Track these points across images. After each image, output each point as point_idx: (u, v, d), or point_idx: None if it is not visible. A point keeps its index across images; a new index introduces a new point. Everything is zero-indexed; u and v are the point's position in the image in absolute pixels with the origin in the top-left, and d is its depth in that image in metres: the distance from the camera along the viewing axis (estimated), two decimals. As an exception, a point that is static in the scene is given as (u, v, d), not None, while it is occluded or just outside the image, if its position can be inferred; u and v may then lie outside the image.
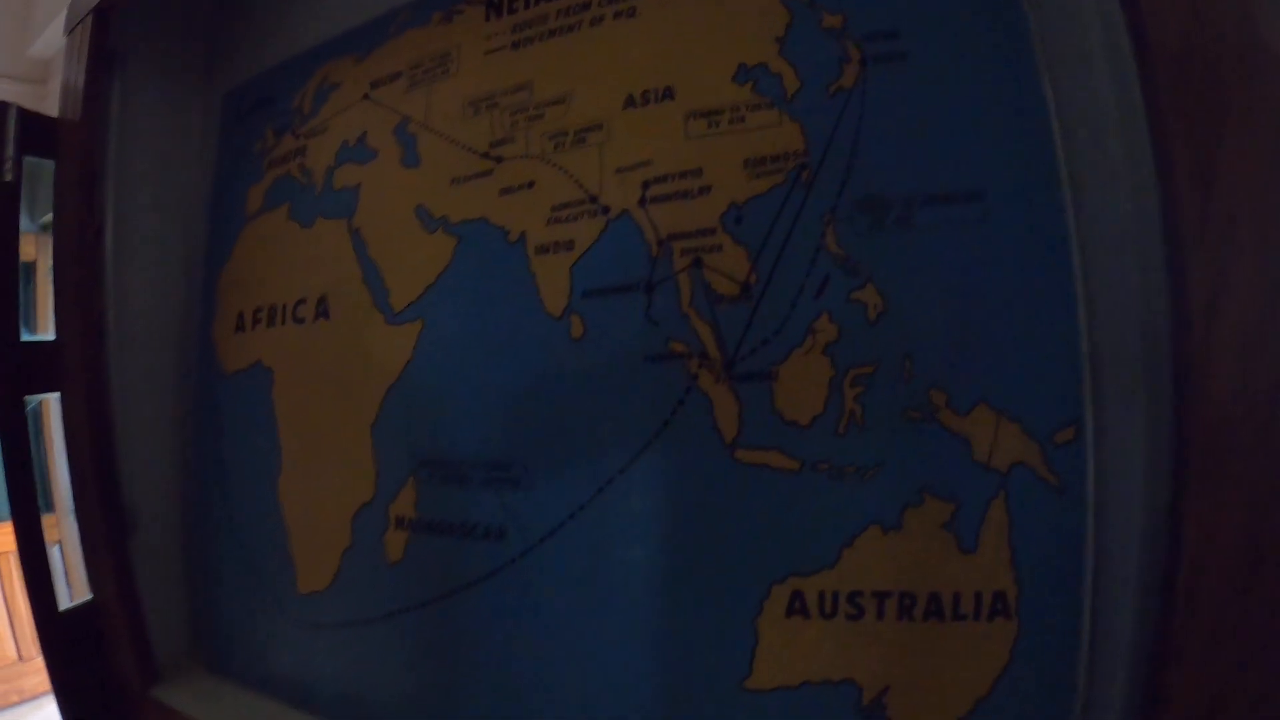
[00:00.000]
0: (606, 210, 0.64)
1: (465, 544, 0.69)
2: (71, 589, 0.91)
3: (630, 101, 0.65)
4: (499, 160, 0.71)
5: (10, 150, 0.81)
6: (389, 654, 0.74)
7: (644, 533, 0.61)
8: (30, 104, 0.86)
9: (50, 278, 1.01)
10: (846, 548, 0.55)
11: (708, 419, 0.59)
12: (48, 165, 0.89)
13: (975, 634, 0.52)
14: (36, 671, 2.39)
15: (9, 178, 0.81)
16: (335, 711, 0.78)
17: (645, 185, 0.63)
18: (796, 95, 0.59)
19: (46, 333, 0.89)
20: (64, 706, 0.83)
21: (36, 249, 2.16)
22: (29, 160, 0.84)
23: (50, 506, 1.29)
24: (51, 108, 0.89)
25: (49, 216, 0.98)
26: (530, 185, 0.68)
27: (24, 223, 0.89)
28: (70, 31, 0.85)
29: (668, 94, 0.64)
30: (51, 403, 0.98)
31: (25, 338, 0.84)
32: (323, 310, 0.81)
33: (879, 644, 0.54)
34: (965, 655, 0.53)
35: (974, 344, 0.53)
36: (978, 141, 0.55)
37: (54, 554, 0.89)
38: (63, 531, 1.21)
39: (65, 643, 0.84)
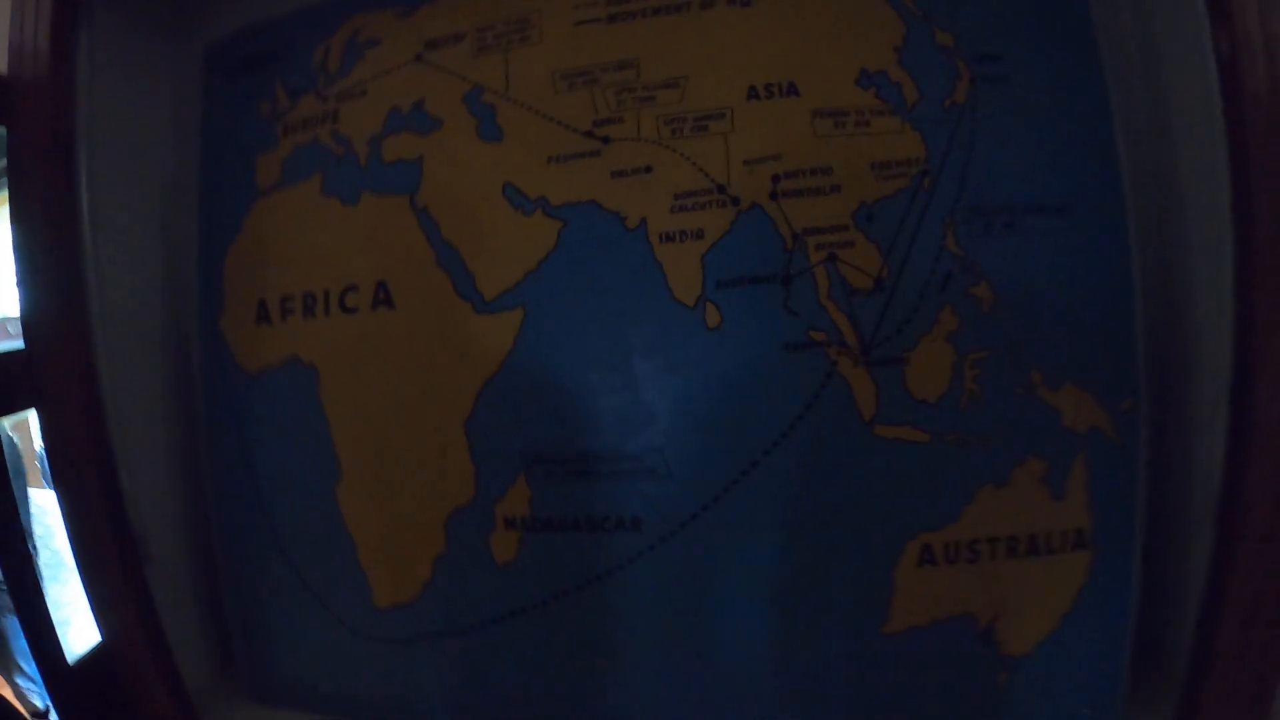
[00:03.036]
0: (736, 201, 0.66)
1: (593, 537, 0.69)
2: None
3: (753, 93, 0.66)
4: (605, 140, 0.68)
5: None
6: (504, 657, 0.72)
7: (789, 506, 0.66)
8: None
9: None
10: (967, 504, 0.65)
11: (848, 400, 0.65)
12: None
13: (1062, 564, 0.65)
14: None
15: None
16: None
17: (775, 179, 0.65)
18: (916, 106, 0.65)
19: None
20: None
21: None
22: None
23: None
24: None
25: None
26: (648, 170, 0.67)
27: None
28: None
29: (791, 90, 0.66)
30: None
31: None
32: (383, 298, 0.73)
33: (991, 580, 0.66)
34: (1055, 581, 0.66)
35: (1063, 333, 0.64)
36: (1065, 163, 0.65)
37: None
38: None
39: (82, 700, 0.70)
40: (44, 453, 0.71)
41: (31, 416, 0.70)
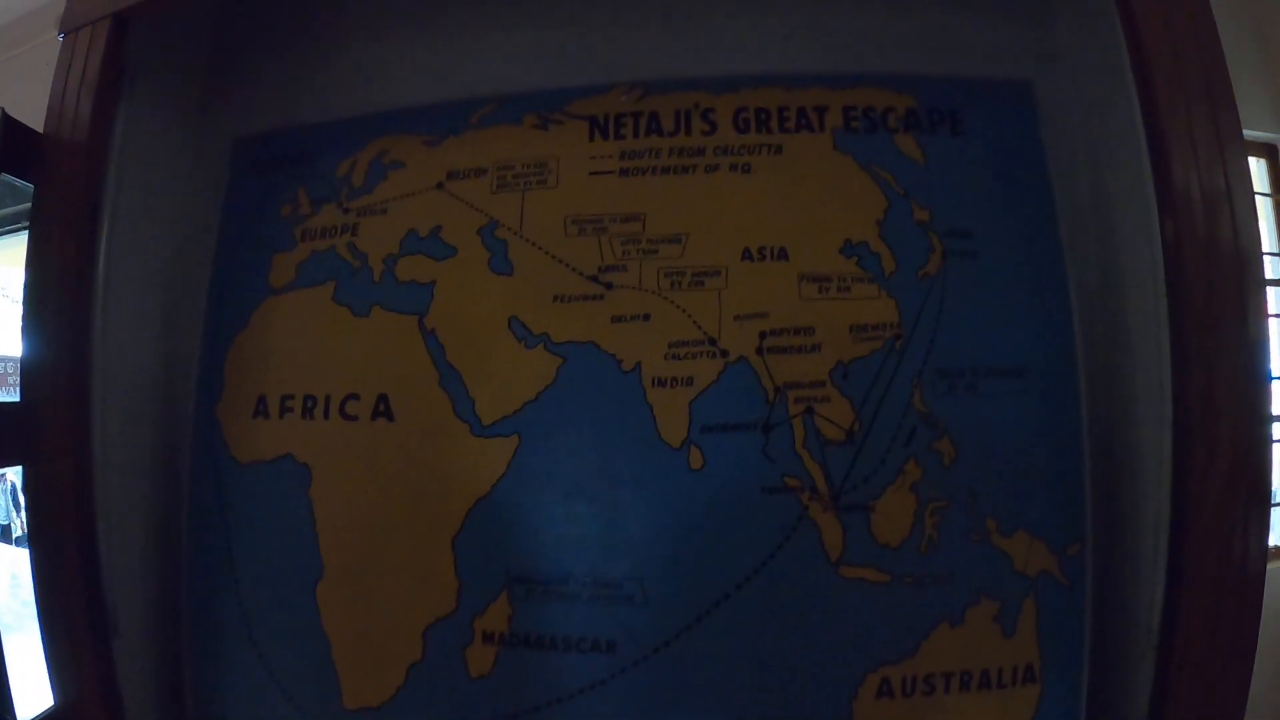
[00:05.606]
0: (725, 354, 0.71)
1: (568, 656, 0.72)
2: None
3: (747, 254, 0.73)
4: (609, 287, 0.74)
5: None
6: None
7: (757, 637, 0.70)
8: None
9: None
10: (924, 640, 0.70)
11: (816, 542, 0.70)
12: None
13: (1013, 697, 0.71)
14: None
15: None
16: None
17: (762, 335, 0.71)
18: (893, 275, 0.72)
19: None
20: None
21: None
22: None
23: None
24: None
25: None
26: (645, 318, 0.73)
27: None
28: (67, 33, 0.68)
29: (782, 254, 0.73)
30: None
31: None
32: (383, 410, 0.76)
33: (946, 713, 0.70)
34: (1006, 713, 0.71)
35: (1017, 484, 0.71)
36: (1023, 329, 0.73)
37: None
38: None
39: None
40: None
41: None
